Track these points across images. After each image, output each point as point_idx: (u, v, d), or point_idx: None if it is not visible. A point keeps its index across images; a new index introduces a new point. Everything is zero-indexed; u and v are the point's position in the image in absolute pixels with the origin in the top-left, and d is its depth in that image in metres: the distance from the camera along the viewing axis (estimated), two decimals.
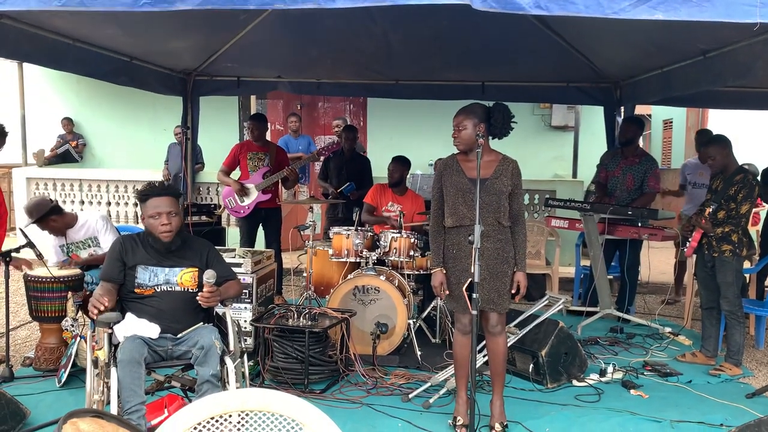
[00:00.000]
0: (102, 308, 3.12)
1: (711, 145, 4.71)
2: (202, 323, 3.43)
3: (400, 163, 5.90)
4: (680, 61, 5.13)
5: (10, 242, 4.83)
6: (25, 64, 9.54)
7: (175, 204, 3.42)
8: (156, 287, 3.39)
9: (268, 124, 8.19)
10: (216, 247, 5.20)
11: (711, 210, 4.54)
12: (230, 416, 1.66)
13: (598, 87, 6.66)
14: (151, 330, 3.27)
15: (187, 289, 3.43)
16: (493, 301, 3.50)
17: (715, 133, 6.81)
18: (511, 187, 3.51)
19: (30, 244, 4.44)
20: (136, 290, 3.39)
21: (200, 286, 3.38)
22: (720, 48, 4.48)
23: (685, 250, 4.81)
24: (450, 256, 3.56)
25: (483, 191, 3.39)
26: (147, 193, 3.41)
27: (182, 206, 6.23)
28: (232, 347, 3.39)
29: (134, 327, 3.27)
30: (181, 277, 3.42)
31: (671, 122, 12.10)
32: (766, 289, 5.86)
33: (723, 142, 4.65)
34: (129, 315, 3.35)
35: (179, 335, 3.33)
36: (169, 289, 3.40)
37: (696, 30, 3.96)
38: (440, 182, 3.61)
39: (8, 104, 10.25)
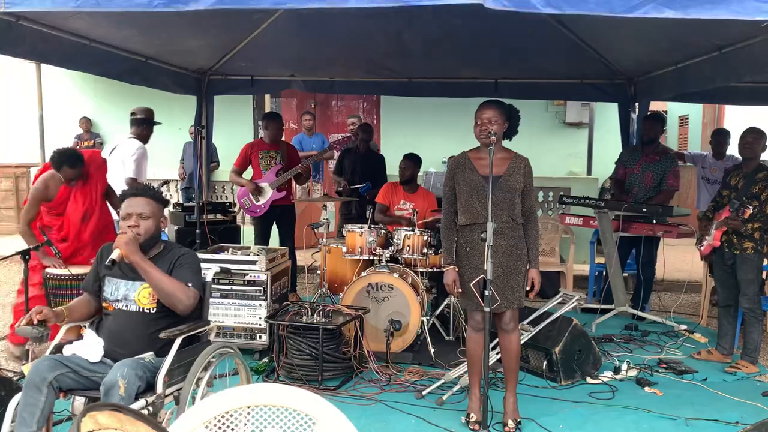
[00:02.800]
0: (24, 322, 2.79)
1: (753, 131, 4.59)
2: (126, 360, 2.77)
3: (412, 161, 5.91)
4: (695, 57, 5.09)
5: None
6: (43, 64, 9.66)
7: (152, 206, 3.05)
8: (115, 303, 3.02)
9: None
10: (229, 245, 5.30)
11: (734, 208, 4.46)
12: (243, 410, 1.69)
13: (612, 83, 6.62)
14: (91, 353, 2.86)
15: (143, 309, 2.99)
16: (507, 298, 3.50)
17: (728, 129, 6.81)
18: (523, 184, 3.53)
19: (48, 242, 4.51)
20: (104, 304, 3.07)
21: (159, 306, 2.99)
22: (735, 43, 4.44)
23: (702, 248, 4.76)
24: (463, 254, 3.58)
25: (496, 188, 3.41)
26: (123, 193, 3.13)
27: (199, 204, 6.28)
28: (159, 388, 2.72)
29: (78, 346, 2.89)
30: (139, 294, 2.99)
31: (687, 118, 11.99)
32: None
33: (764, 134, 4.58)
34: (87, 331, 2.98)
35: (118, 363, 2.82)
36: (125, 307, 3.00)
37: (711, 26, 3.91)
38: (452, 180, 3.62)
39: (27, 104, 10.39)
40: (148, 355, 2.86)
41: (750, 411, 3.84)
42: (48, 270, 4.49)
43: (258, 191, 6.04)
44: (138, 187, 3.17)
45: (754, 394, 4.14)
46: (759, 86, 6.20)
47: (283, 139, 6.40)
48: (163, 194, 3.25)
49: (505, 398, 3.66)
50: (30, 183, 9.55)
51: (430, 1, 2.49)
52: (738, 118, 9.61)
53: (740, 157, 4.76)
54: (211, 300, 4.65)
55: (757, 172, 4.52)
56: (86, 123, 10.63)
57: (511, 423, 3.56)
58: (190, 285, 3.02)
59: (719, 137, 6.54)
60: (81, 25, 4.66)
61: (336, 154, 6.92)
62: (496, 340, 3.77)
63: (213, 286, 4.65)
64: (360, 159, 6.71)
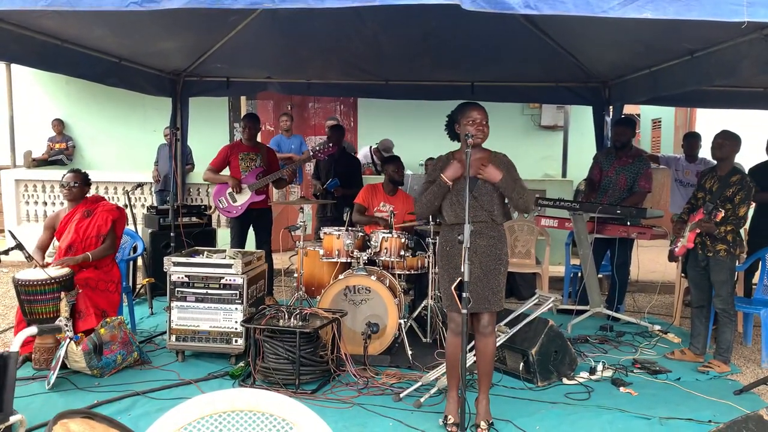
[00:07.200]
0: None
1: (725, 135, 4.62)
2: None
3: (401, 163, 5.93)
4: (668, 61, 5.17)
5: None
6: (13, 65, 9.48)
7: None
8: None
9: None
10: (204, 248, 5.23)
11: (708, 211, 4.52)
12: (220, 416, 1.66)
13: (587, 87, 6.70)
14: None
15: None
16: (488, 299, 3.51)
17: (700, 132, 6.92)
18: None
19: (19, 246, 4.42)
20: None
21: None
22: (706, 48, 4.53)
23: (676, 249, 4.82)
24: (444, 254, 3.59)
25: (477, 189, 3.42)
26: None
27: (173, 207, 6.20)
28: None
29: None
30: None
31: (660, 121, 12.17)
32: (753, 286, 5.91)
33: (736, 138, 4.62)
34: None
35: None
36: None
37: (683, 30, 4.00)
38: (435, 177, 3.60)
39: None
40: None
41: (722, 409, 3.90)
42: (17, 276, 4.38)
43: (238, 190, 5.97)
44: None
45: (727, 393, 4.20)
46: (729, 90, 6.33)
47: (259, 140, 6.36)
48: None
49: (477, 400, 3.66)
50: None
51: (407, 0, 2.47)
52: (709, 122, 9.78)
53: (713, 160, 4.84)
54: (186, 304, 4.65)
55: (731, 176, 4.57)
56: (59, 125, 10.45)
57: (483, 424, 3.57)
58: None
59: (691, 140, 6.65)
60: (52, 25, 4.58)
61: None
62: (473, 342, 3.78)
63: (188, 290, 4.64)
64: (335, 162, 6.69)
